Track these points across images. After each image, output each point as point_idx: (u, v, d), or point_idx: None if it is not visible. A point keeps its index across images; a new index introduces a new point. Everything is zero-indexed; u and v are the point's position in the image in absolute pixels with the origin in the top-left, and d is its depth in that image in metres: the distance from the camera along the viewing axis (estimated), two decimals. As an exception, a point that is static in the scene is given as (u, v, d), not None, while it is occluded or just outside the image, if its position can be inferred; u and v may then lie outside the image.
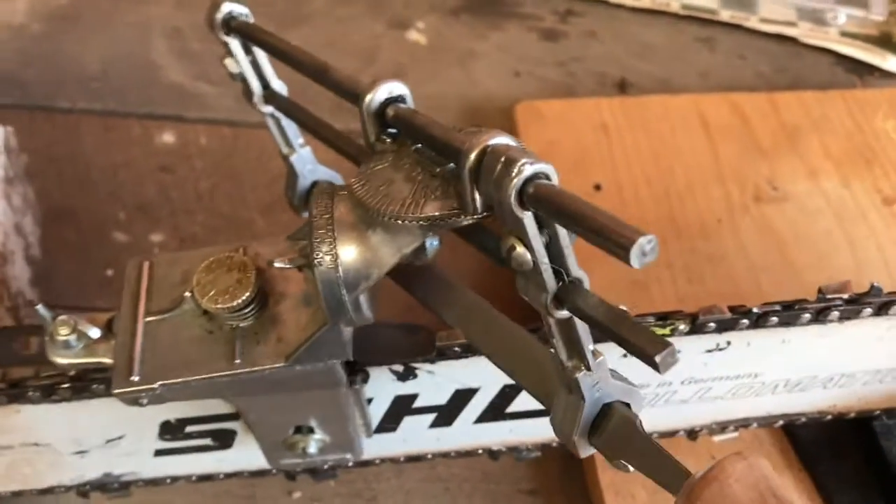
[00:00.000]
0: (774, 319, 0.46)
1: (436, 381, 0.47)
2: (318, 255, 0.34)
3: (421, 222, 0.33)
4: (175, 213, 0.77)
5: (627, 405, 0.37)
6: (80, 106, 0.83)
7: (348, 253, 0.35)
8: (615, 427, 0.36)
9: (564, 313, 0.32)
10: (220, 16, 0.51)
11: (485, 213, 0.32)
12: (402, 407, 0.49)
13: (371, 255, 0.35)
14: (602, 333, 0.32)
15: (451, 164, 0.34)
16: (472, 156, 0.31)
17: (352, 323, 0.36)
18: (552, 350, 0.34)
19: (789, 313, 0.46)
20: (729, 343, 0.48)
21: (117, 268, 0.74)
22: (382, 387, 0.47)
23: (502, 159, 0.30)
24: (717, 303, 0.70)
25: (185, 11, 0.92)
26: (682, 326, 0.46)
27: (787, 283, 0.72)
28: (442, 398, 0.49)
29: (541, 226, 0.31)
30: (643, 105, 0.83)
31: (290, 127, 0.56)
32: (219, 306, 0.37)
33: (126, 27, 0.90)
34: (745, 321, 0.46)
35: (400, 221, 0.33)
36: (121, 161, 0.80)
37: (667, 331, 0.46)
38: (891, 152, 0.82)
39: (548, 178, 0.30)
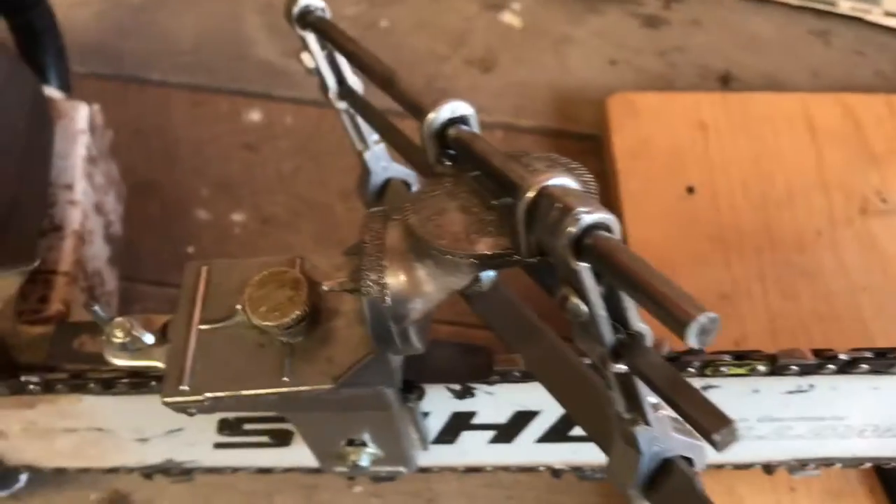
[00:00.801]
0: (864, 367, 0.42)
1: (495, 401, 0.46)
2: (366, 282, 0.33)
3: (472, 259, 0.31)
4: (257, 193, 0.77)
5: (689, 460, 0.34)
6: (171, 80, 0.84)
7: (397, 283, 0.33)
8: (674, 484, 0.33)
9: (622, 367, 0.30)
10: (296, 10, 0.49)
11: (539, 257, 0.30)
12: (460, 422, 0.47)
13: (420, 287, 0.33)
14: (659, 397, 0.29)
15: (509, 199, 0.32)
16: (528, 196, 0.29)
17: (399, 352, 0.35)
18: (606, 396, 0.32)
19: (882, 361, 0.43)
20: (812, 386, 0.44)
21: (198, 245, 0.75)
22: (440, 402, 0.46)
23: (558, 205, 0.28)
24: (809, 326, 0.66)
25: (279, -14, 0.91)
26: (761, 367, 0.43)
27: (891, 306, 0.67)
28: (501, 417, 0.47)
29: (598, 275, 0.29)
30: (746, 102, 0.78)
31: (364, 123, 0.55)
32: (268, 323, 0.36)
33: (219, 1, 0.90)
34: (831, 366, 0.43)
35: (450, 257, 0.31)
36: (207, 137, 0.81)
37: (744, 370, 0.43)
38: None
39: (608, 229, 0.28)
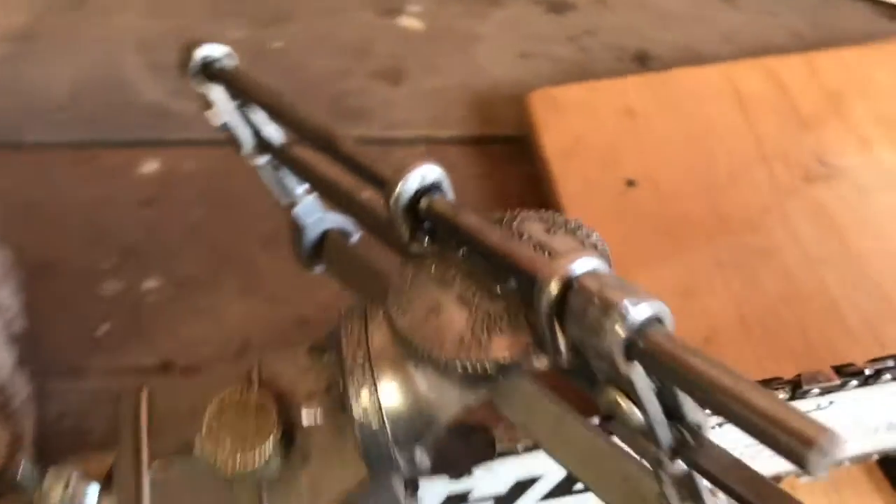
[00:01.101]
0: (888, 376, 0.40)
1: (494, 476, 0.41)
2: (356, 405, 0.28)
3: (488, 366, 0.26)
4: (167, 253, 0.70)
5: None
6: (50, 139, 0.75)
7: (394, 401, 0.28)
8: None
9: (682, 467, 0.26)
10: (195, 63, 0.43)
11: (574, 357, 0.25)
12: (455, 501, 0.42)
13: (424, 405, 0.28)
14: (726, 493, 0.25)
15: (514, 282, 0.27)
16: (553, 289, 0.24)
17: (403, 476, 0.30)
18: (659, 492, 0.28)
19: (902, 367, 0.40)
20: (832, 403, 0.41)
21: (113, 322, 0.67)
22: (433, 486, 0.41)
23: (596, 301, 0.23)
24: (778, 311, 0.63)
25: (156, 19, 0.83)
26: (783, 395, 0.39)
27: (852, 275, 0.65)
28: (500, 488, 0.42)
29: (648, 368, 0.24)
30: (669, 81, 0.75)
31: (290, 174, 0.49)
32: (237, 467, 0.30)
33: (93, 43, 0.81)
34: (854, 382, 0.40)
35: (459, 366, 0.26)
36: (101, 198, 0.73)
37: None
38: (943, 109, 0.74)
39: (659, 321, 0.23)
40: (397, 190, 0.30)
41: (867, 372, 0.40)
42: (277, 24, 0.82)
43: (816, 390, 0.40)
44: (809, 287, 0.64)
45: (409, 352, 0.28)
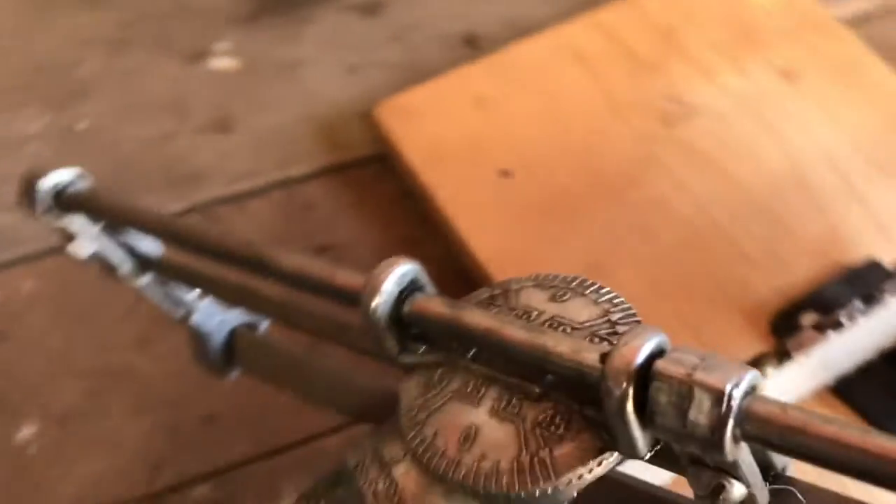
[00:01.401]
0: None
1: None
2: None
3: (562, 489, 0.22)
4: (36, 390, 0.61)
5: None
6: None
7: None
8: None
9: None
10: (43, 196, 0.36)
11: (656, 449, 0.22)
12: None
13: None
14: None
15: (550, 377, 0.23)
16: (626, 389, 0.20)
17: None
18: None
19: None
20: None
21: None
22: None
23: (692, 392, 0.20)
24: (687, 265, 0.63)
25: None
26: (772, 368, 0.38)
27: (744, 210, 0.66)
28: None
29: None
30: (507, 60, 0.73)
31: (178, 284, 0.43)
32: None
33: None
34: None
35: (532, 496, 0.22)
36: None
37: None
38: (765, 20, 0.76)
39: (754, 389, 0.20)
40: (375, 302, 0.25)
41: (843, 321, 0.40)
42: (76, 101, 0.73)
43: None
44: (704, 228, 0.65)
45: (454, 495, 0.23)
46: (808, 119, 0.69)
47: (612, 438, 0.22)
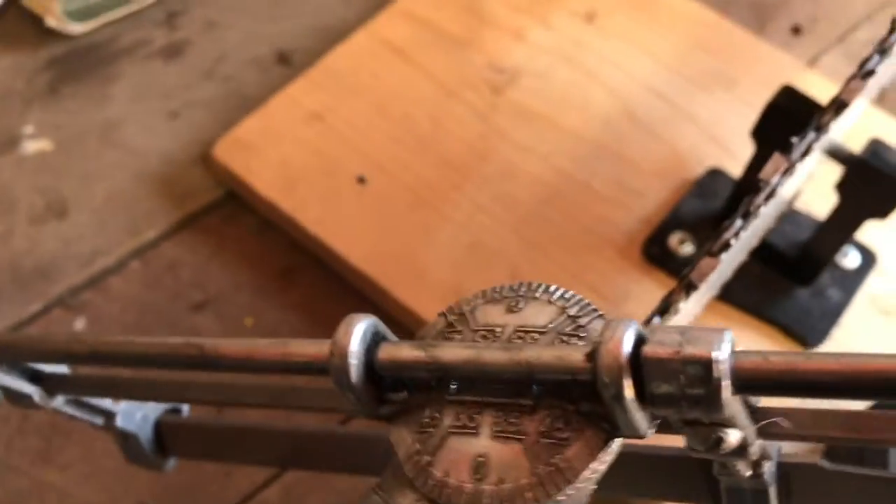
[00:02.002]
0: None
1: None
2: None
3: (585, 484, 0.23)
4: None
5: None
6: None
7: None
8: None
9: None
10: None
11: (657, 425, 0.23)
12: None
13: None
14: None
15: (536, 387, 0.25)
16: (621, 380, 0.22)
17: None
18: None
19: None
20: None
21: None
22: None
23: (683, 368, 0.21)
24: (556, 222, 0.66)
25: None
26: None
27: (584, 153, 0.69)
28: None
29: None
30: (328, 68, 0.73)
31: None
32: None
33: None
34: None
35: (552, 501, 0.23)
36: None
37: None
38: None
39: (733, 347, 0.22)
40: (347, 367, 0.25)
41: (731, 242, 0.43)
42: None
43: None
44: (557, 182, 0.68)
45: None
46: (621, 56, 0.73)
47: (613, 426, 0.23)
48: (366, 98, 0.71)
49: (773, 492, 0.30)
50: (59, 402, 0.38)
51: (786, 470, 0.31)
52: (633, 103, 0.72)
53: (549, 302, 0.26)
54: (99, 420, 0.41)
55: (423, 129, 0.70)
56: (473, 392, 0.25)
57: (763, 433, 0.24)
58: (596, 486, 0.24)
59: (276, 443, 0.42)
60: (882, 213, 0.55)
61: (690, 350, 0.21)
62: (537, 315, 0.26)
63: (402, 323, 0.64)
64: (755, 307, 0.62)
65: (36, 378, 0.38)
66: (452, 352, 0.25)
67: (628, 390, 0.22)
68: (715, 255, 0.40)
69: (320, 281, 0.66)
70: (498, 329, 0.26)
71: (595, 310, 0.26)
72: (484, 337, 0.26)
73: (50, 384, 0.38)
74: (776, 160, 0.42)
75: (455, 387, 0.26)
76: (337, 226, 0.65)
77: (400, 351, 0.25)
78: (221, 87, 0.74)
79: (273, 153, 0.68)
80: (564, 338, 0.25)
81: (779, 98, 0.55)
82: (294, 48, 0.77)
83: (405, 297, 0.62)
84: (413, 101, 0.71)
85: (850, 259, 0.64)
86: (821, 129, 0.44)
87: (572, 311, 0.26)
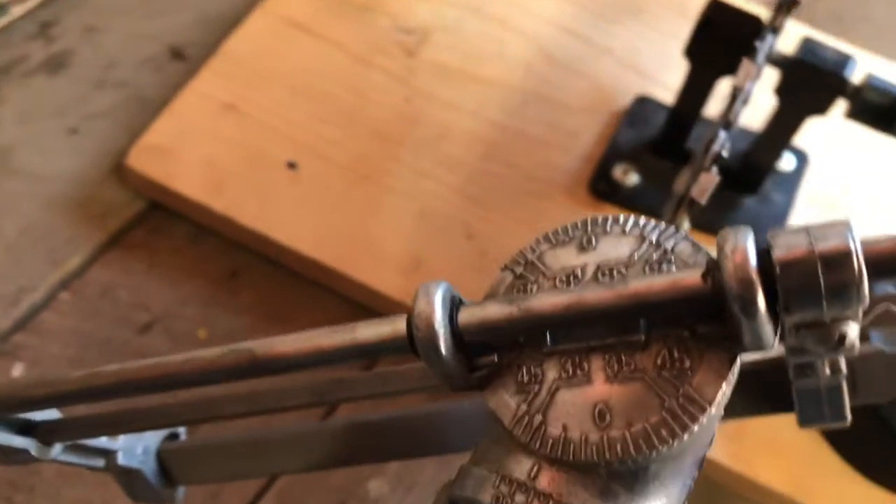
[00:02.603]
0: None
1: None
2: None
3: (712, 410, 0.22)
4: None
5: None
6: None
7: None
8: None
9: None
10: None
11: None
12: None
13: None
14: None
15: (643, 320, 0.23)
16: (755, 290, 0.21)
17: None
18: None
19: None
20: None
21: None
22: None
23: (815, 263, 0.20)
24: (506, 177, 0.65)
25: None
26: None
27: (513, 100, 0.68)
28: None
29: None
30: (231, 56, 0.69)
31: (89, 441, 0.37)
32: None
33: None
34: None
35: (687, 435, 0.22)
36: None
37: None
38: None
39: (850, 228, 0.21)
40: (436, 339, 0.23)
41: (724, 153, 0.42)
42: None
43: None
44: (491, 134, 0.67)
45: (590, 478, 0.23)
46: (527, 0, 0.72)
47: (735, 343, 0.22)
48: (278, 80, 0.67)
49: (845, 385, 0.30)
50: (57, 450, 0.34)
51: (850, 362, 0.31)
52: (548, 45, 0.71)
53: (624, 232, 0.25)
54: (100, 462, 0.37)
55: (344, 104, 0.67)
56: (572, 339, 0.24)
57: (875, 320, 0.23)
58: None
59: (293, 446, 0.39)
60: (821, 110, 0.56)
61: (823, 245, 0.20)
62: (616, 248, 0.25)
63: (364, 304, 0.61)
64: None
65: (26, 429, 0.34)
66: (548, 300, 0.23)
67: (761, 299, 0.21)
68: (709, 168, 0.40)
69: (269, 278, 0.63)
70: (578, 270, 0.25)
71: (675, 230, 0.25)
72: (563, 281, 0.24)
73: (44, 433, 0.34)
74: (746, 66, 0.42)
75: (550, 338, 0.24)
76: (277, 218, 0.62)
77: (486, 311, 0.23)
78: (117, 93, 0.69)
79: (193, 153, 0.64)
80: (655, 266, 0.24)
81: (709, 13, 0.55)
82: (186, 42, 0.72)
83: (364, 277, 0.60)
84: (328, 76, 0.68)
85: (786, 162, 0.66)
86: (776, 30, 0.45)
87: (653, 237, 0.25)
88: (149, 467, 0.39)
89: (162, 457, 0.40)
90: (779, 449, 0.56)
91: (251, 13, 0.70)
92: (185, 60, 0.71)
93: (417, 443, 0.38)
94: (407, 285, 0.59)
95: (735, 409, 0.31)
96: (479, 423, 0.35)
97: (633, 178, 0.64)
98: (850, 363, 0.31)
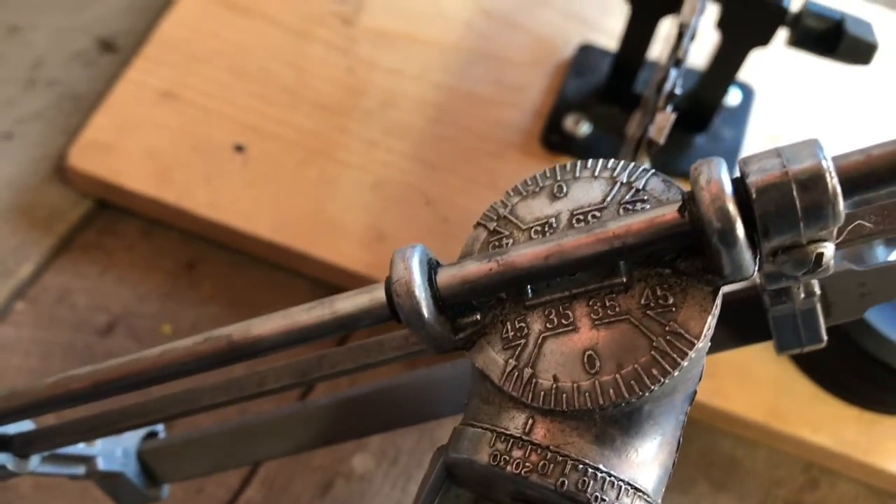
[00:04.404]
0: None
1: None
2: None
3: (699, 344, 0.22)
4: None
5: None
6: None
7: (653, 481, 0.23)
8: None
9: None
10: None
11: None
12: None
13: (657, 463, 0.23)
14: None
15: (624, 265, 0.23)
16: (733, 217, 0.21)
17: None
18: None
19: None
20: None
21: None
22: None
23: (789, 184, 0.20)
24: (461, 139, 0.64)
25: None
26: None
27: (457, 60, 0.67)
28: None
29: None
30: (164, 43, 0.67)
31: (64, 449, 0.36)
32: None
33: None
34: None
35: (678, 371, 0.22)
36: None
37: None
38: None
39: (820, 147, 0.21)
40: (416, 303, 0.23)
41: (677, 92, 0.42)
42: None
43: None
44: (438, 96, 0.66)
45: (598, 426, 0.23)
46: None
47: (717, 274, 0.22)
48: (215, 62, 0.66)
49: (819, 307, 0.31)
50: (34, 462, 0.33)
51: (822, 284, 0.31)
52: (485, 1, 0.70)
53: (594, 176, 0.25)
54: (80, 470, 0.36)
55: (286, 80, 0.65)
56: (553, 289, 0.23)
57: (848, 237, 0.23)
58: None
59: (275, 431, 0.39)
60: (764, 41, 0.56)
61: (797, 167, 0.20)
62: (588, 192, 0.24)
63: (329, 283, 0.61)
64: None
65: (1, 445, 0.33)
66: (527, 252, 0.23)
67: (740, 228, 0.21)
68: (663, 108, 0.40)
69: (228, 265, 0.62)
70: (552, 220, 0.24)
71: (645, 169, 0.24)
72: (541, 232, 0.24)
73: (20, 446, 0.33)
74: (691, 1, 0.41)
75: (531, 290, 0.24)
76: (230, 203, 0.60)
77: (465, 270, 0.23)
78: (49, 92, 0.67)
79: (136, 146, 0.62)
80: (629, 206, 0.24)
81: (645, -47, 0.55)
82: (114, 32, 0.70)
83: (326, 255, 0.59)
84: (266, 53, 0.66)
85: (732, 97, 0.66)
86: (715, -37, 0.44)
87: (623, 178, 0.24)
88: (130, 469, 0.38)
89: (143, 457, 0.39)
90: (753, 380, 0.57)
91: (176, 3, 0.68)
92: (116, 52, 0.69)
93: (398, 413, 0.38)
94: (372, 259, 0.58)
95: (712, 343, 0.31)
96: (457, 388, 0.35)
97: (584, 128, 0.64)
98: (822, 285, 0.31)
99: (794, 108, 0.66)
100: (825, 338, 0.32)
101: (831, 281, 0.31)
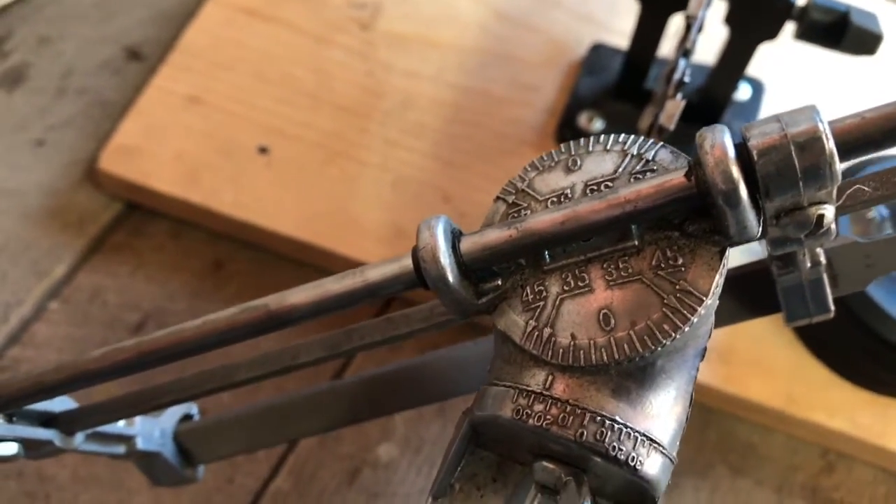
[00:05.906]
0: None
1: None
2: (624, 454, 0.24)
3: (708, 301, 0.23)
4: None
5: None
6: None
7: (669, 434, 0.24)
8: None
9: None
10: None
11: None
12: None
13: (671, 416, 0.25)
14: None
15: (634, 226, 0.24)
16: (737, 178, 0.22)
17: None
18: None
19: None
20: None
21: None
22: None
23: (788, 145, 0.22)
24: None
25: None
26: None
27: (473, 62, 0.69)
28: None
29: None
30: (189, 50, 0.69)
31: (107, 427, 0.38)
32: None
33: None
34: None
35: (688, 326, 0.23)
36: None
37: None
38: None
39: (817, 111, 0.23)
40: (442, 269, 0.24)
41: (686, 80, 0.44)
42: None
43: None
44: (455, 97, 0.67)
45: (602, 378, 0.24)
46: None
47: (723, 236, 0.24)
48: (238, 68, 0.68)
49: (825, 277, 0.32)
50: (79, 439, 0.35)
51: (829, 255, 0.33)
52: (498, 3, 0.72)
53: (606, 150, 0.26)
54: (120, 448, 0.38)
55: (308, 84, 0.67)
56: (569, 254, 0.25)
57: (848, 202, 0.25)
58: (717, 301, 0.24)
59: (308, 409, 0.40)
60: (771, 34, 0.57)
61: (795, 129, 0.22)
62: (600, 165, 0.26)
63: (352, 278, 0.62)
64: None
65: (48, 422, 0.34)
66: (544, 218, 0.24)
67: (743, 188, 0.22)
68: (673, 96, 0.41)
69: (253, 263, 0.64)
70: (567, 190, 0.26)
71: (654, 142, 0.26)
72: (556, 202, 0.26)
73: (65, 423, 0.35)
74: (697, -6, 0.43)
75: (549, 256, 0.25)
76: (255, 203, 0.62)
77: (486, 237, 0.25)
78: (79, 100, 0.69)
79: (164, 150, 0.64)
80: (639, 175, 0.25)
81: (653, -49, 0.56)
82: (141, 41, 0.72)
83: (349, 251, 0.61)
84: (287, 58, 0.68)
85: (742, 92, 0.67)
86: (721, -43, 0.46)
87: (633, 150, 0.26)
88: (168, 449, 0.40)
89: (179, 438, 0.41)
90: (768, 368, 0.58)
91: (204, 5, 0.71)
92: (142, 60, 0.71)
93: (422, 390, 0.40)
94: (392, 254, 0.59)
95: (724, 316, 0.33)
96: (479, 365, 0.37)
97: (597, 124, 0.66)
98: (828, 257, 0.32)
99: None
100: (833, 309, 0.33)
101: (838, 253, 0.33)
